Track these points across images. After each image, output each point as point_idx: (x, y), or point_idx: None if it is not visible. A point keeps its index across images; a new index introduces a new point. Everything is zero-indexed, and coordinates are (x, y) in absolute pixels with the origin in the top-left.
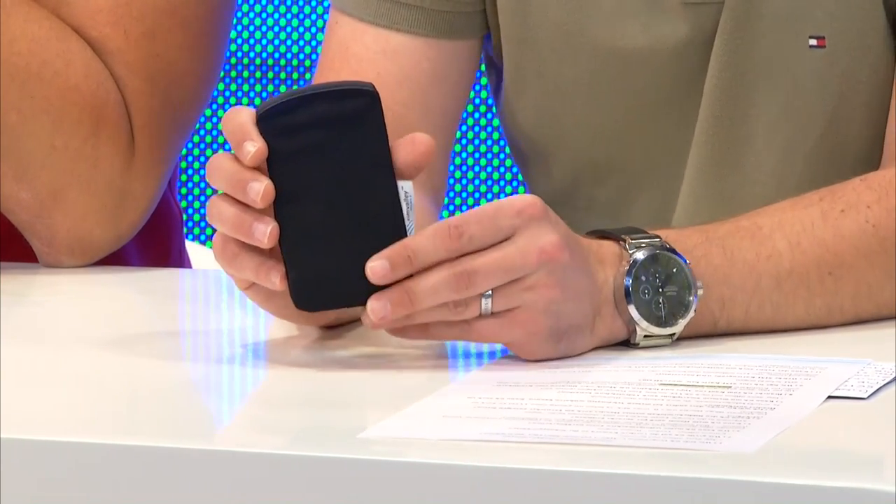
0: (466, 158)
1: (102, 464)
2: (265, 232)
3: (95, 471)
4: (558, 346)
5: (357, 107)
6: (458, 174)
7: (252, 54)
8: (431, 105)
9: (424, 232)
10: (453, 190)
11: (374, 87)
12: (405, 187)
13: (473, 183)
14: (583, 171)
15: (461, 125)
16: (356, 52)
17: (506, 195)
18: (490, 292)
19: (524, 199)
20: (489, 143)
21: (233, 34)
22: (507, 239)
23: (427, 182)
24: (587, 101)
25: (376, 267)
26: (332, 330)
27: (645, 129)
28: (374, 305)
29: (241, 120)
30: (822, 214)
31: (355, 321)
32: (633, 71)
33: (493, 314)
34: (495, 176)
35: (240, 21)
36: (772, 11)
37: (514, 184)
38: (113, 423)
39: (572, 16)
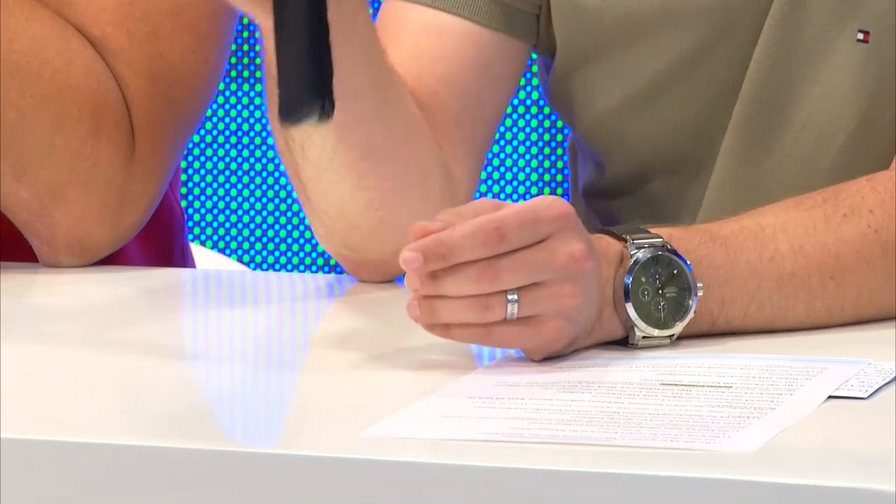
0: None
1: (102, 464)
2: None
3: (95, 471)
4: (565, 348)
5: None
6: None
7: (252, 54)
8: (469, 90)
9: (465, 230)
10: None
11: None
12: None
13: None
14: (642, 166)
15: None
16: (400, 24)
17: (506, 195)
18: (516, 297)
19: (561, 206)
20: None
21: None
22: (538, 241)
23: (461, 178)
24: (654, 99)
25: (409, 258)
26: (332, 330)
27: (704, 120)
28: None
29: None
30: (825, 217)
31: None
32: (693, 66)
33: (516, 319)
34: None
35: (240, 21)
36: (819, 1)
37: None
38: (113, 423)
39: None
